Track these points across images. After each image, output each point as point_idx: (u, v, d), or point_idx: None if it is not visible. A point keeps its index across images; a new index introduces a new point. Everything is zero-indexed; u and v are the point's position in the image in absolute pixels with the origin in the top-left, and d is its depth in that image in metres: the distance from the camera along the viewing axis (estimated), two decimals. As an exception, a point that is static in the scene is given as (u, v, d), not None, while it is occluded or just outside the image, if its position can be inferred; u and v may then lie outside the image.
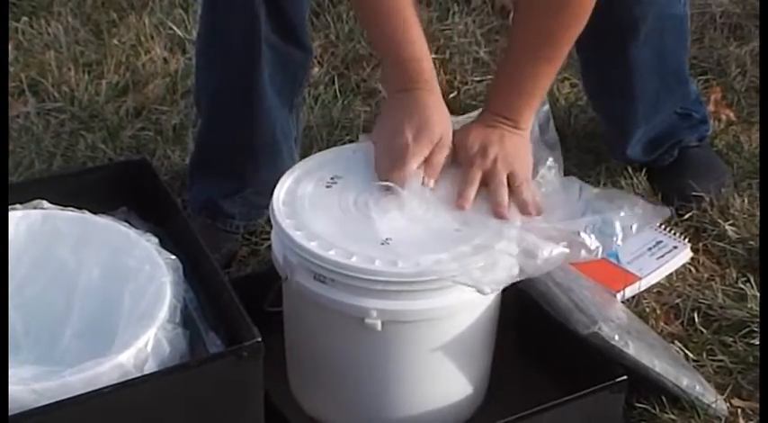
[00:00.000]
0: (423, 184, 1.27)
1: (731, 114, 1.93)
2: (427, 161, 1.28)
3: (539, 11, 1.30)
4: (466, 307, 1.26)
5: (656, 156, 1.77)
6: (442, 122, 1.30)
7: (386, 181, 1.27)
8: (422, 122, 1.29)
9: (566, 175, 1.76)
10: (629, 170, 1.78)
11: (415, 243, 1.23)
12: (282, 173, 1.33)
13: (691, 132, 1.78)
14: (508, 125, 1.32)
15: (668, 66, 1.71)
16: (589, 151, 1.84)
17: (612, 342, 1.30)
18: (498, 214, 1.26)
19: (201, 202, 1.65)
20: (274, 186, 1.30)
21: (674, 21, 1.68)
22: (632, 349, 1.31)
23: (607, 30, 1.63)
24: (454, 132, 1.32)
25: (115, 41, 2.07)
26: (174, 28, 2.09)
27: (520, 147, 1.32)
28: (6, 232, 1.22)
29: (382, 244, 1.22)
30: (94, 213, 1.27)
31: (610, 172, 1.79)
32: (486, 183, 1.28)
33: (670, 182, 1.75)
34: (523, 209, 1.26)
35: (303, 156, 1.41)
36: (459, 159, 1.31)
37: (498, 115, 1.32)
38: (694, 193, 1.70)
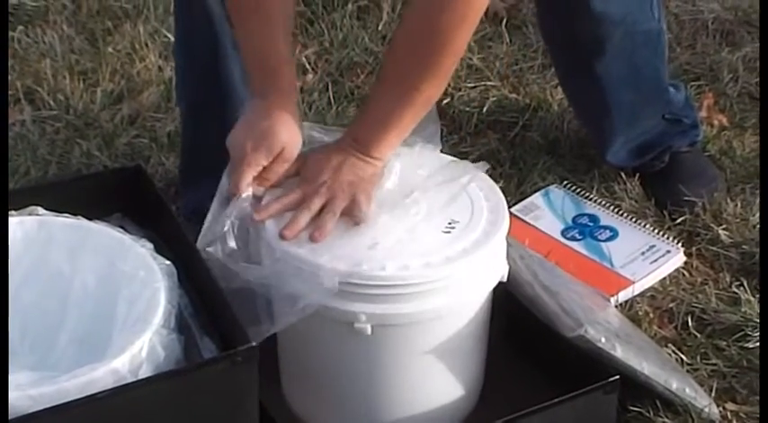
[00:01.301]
0: (252, 192, 1.26)
1: (724, 120, 1.94)
2: (264, 170, 1.26)
3: (409, 37, 1.25)
4: (456, 310, 1.26)
5: (646, 161, 1.77)
6: (286, 134, 1.26)
7: (226, 188, 1.26)
8: (264, 133, 1.26)
9: (560, 180, 1.79)
10: (623, 176, 1.79)
11: (402, 246, 1.24)
12: None
13: (681, 138, 1.78)
14: (357, 149, 1.27)
15: (644, 78, 1.70)
16: (582, 157, 1.85)
17: (599, 344, 1.30)
18: (282, 235, 1.22)
19: (192, 208, 1.65)
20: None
21: (646, 36, 1.66)
22: (619, 352, 1.31)
23: (572, 47, 1.64)
24: (307, 152, 1.29)
25: (110, 50, 2.07)
26: (169, 36, 2.09)
27: (361, 176, 1.27)
28: (6, 238, 1.23)
29: (370, 248, 1.23)
30: (89, 219, 1.27)
31: (603, 177, 1.80)
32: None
33: (662, 187, 1.75)
34: (312, 234, 1.22)
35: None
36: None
37: (350, 138, 1.29)
38: (686, 198, 1.71)
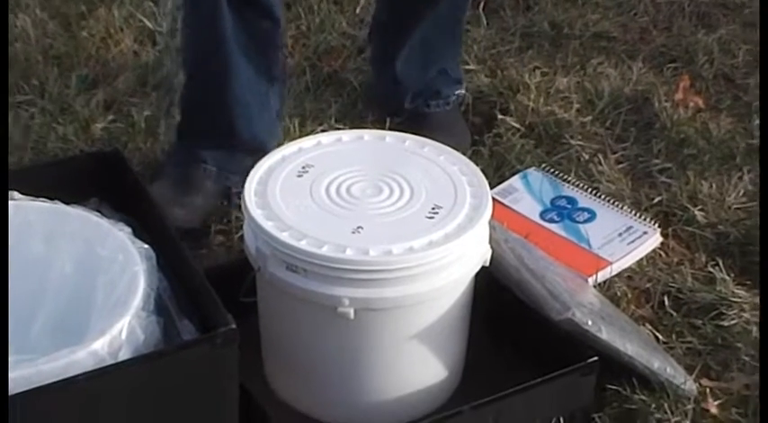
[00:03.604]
0: None
1: (699, 101, 1.95)
2: None
3: None
4: (438, 294, 1.27)
5: (418, 103, 1.84)
6: None
7: None
8: None
9: (538, 163, 1.79)
10: (600, 158, 1.80)
11: (386, 231, 1.24)
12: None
13: (447, 87, 1.85)
14: None
15: (449, 22, 1.80)
16: (559, 139, 1.85)
17: (585, 327, 1.31)
18: None
19: (180, 152, 1.69)
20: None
21: None
22: (605, 334, 1.32)
23: None
24: None
25: (84, 34, 2.06)
26: (144, 20, 2.08)
27: None
28: (6, 229, 1.22)
29: (353, 232, 1.23)
30: (66, 204, 1.27)
31: (580, 160, 1.81)
32: None
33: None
34: None
35: (275, 146, 1.42)
36: None
37: None
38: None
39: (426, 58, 1.83)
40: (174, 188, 1.62)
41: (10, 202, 1.26)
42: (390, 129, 1.80)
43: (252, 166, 1.32)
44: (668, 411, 1.34)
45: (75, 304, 1.23)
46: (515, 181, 1.76)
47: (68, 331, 1.20)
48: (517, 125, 1.87)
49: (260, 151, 1.44)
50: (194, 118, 1.69)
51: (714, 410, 1.36)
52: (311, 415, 1.34)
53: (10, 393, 1.03)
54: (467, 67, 2.00)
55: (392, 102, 1.87)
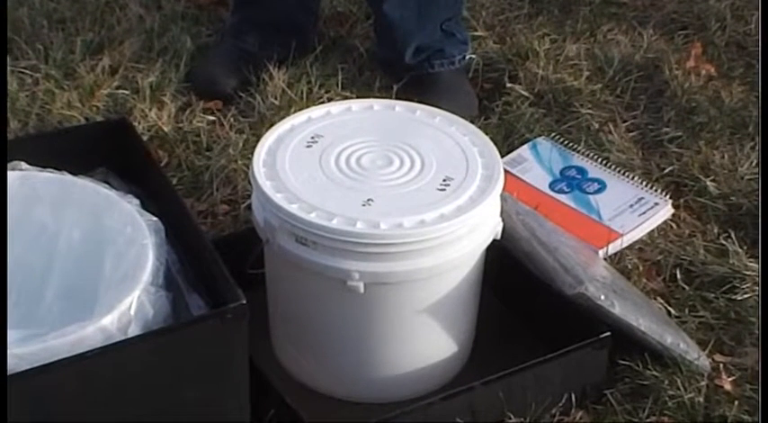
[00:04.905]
0: None
1: (712, 69, 1.93)
2: None
3: None
4: (449, 268, 1.26)
5: (421, 60, 1.82)
6: None
7: None
8: None
9: (547, 131, 1.77)
10: (610, 126, 1.78)
11: (397, 203, 1.23)
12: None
13: (452, 47, 1.82)
14: None
15: None
16: (569, 107, 1.83)
17: (599, 302, 1.29)
18: None
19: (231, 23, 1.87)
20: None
21: None
22: (618, 309, 1.31)
23: None
24: None
25: (89, -2, 2.04)
26: (149, -17, 2.06)
27: None
28: (5, 222, 1.21)
29: (364, 205, 1.22)
30: (73, 175, 1.25)
31: (590, 129, 1.79)
32: None
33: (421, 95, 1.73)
34: None
35: (283, 116, 1.40)
36: None
37: None
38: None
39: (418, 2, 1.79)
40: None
41: (16, 172, 1.24)
42: (397, 96, 1.78)
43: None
44: (681, 387, 1.33)
45: (83, 274, 1.22)
46: (524, 150, 1.74)
47: (78, 300, 1.19)
48: (526, 93, 1.85)
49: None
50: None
51: (728, 387, 1.35)
52: (319, 389, 1.34)
53: (17, 370, 1.02)
54: (474, 33, 1.97)
55: (393, 55, 1.83)
